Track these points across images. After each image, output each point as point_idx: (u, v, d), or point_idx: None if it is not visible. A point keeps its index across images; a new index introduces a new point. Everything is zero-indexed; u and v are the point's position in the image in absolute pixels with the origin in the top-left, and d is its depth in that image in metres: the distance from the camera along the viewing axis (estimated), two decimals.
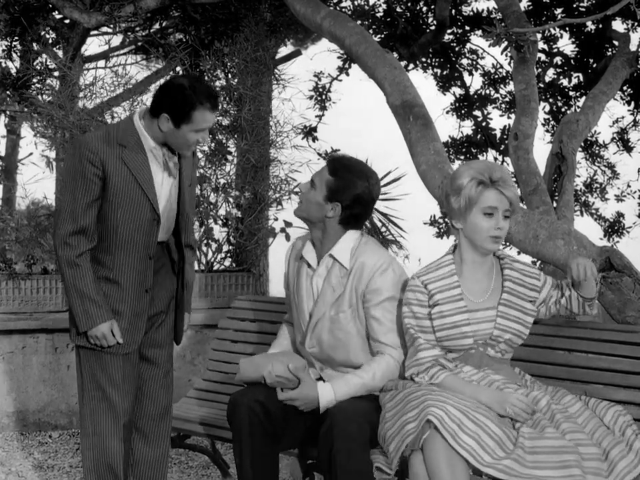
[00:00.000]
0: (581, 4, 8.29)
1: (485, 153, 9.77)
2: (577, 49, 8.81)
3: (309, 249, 3.71)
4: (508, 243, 5.93)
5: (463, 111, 9.73)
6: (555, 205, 5.48)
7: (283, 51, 9.96)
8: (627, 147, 9.37)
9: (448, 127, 11.73)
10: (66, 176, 3.55)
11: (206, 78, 7.59)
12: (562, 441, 3.12)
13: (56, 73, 8.04)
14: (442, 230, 9.74)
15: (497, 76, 9.64)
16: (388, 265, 3.59)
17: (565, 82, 9.19)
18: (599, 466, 3.13)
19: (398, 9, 9.19)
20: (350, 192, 3.57)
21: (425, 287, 3.46)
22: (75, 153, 3.51)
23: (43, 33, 8.29)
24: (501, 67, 9.65)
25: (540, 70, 8.98)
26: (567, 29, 8.70)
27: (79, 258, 3.52)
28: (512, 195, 3.39)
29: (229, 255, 7.10)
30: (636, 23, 8.02)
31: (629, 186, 9.63)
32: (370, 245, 3.66)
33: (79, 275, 3.52)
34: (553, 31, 8.92)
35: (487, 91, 9.68)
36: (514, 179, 5.20)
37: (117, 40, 10.46)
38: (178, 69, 7.93)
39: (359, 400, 3.50)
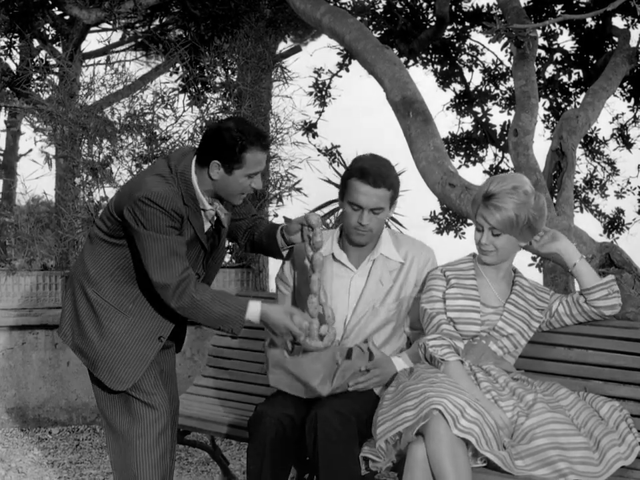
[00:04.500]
0: (581, 0, 8.29)
1: (484, 149, 9.77)
2: (576, 45, 8.81)
3: (339, 252, 3.68)
4: None
5: (462, 107, 9.73)
6: (554, 201, 5.48)
7: (283, 47, 9.97)
8: (626, 143, 9.37)
9: (448, 123, 11.74)
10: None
11: (205, 74, 7.59)
12: (541, 439, 3.17)
13: (56, 70, 8.03)
14: (442, 226, 9.75)
15: (496, 72, 9.64)
16: (433, 256, 3.74)
17: (564, 78, 9.19)
18: (587, 455, 3.16)
19: (398, 5, 9.19)
20: (399, 185, 3.63)
21: (443, 274, 3.57)
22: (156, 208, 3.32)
23: (42, 29, 8.29)
24: (501, 63, 9.66)
25: (540, 66, 8.98)
26: (567, 25, 8.70)
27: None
28: (495, 221, 3.38)
29: (229, 251, 7.10)
30: (636, 19, 8.02)
31: (628, 182, 9.64)
32: (404, 236, 3.79)
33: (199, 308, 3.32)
34: (552, 27, 8.92)
35: (487, 87, 9.68)
36: None
37: (116, 36, 10.47)
38: (178, 65, 7.92)
39: (353, 393, 3.51)
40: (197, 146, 3.50)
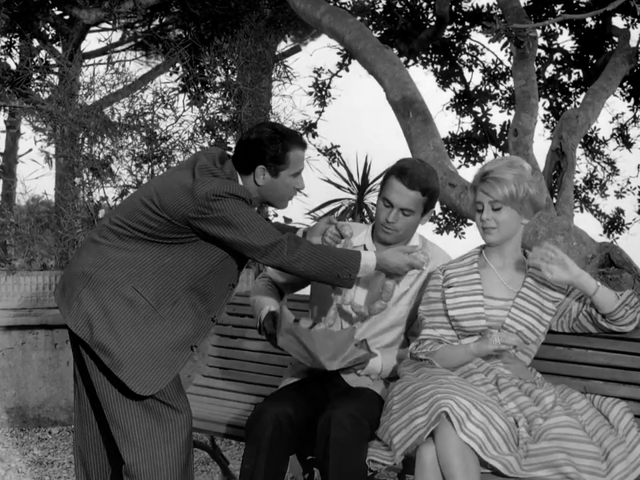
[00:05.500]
0: (581, 0, 8.29)
1: (484, 149, 9.78)
2: (576, 45, 8.82)
3: (371, 245, 3.70)
4: None
5: (462, 107, 9.74)
6: (554, 201, 5.49)
7: (283, 47, 9.97)
8: (626, 143, 9.38)
9: (448, 122, 11.76)
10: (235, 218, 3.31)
11: (205, 74, 7.59)
12: (552, 442, 3.13)
13: (56, 70, 8.04)
14: (442, 226, 9.76)
15: (496, 72, 9.65)
16: None
17: (564, 78, 9.20)
18: (595, 465, 3.10)
19: (398, 5, 9.20)
20: (437, 196, 3.67)
21: (442, 273, 3.53)
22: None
23: (42, 29, 8.29)
24: (501, 62, 9.66)
25: (540, 66, 8.99)
26: (567, 24, 8.70)
27: (294, 251, 3.32)
28: (495, 193, 3.37)
29: None
30: (636, 19, 8.03)
31: (628, 182, 9.65)
32: (432, 244, 3.77)
33: (309, 252, 3.31)
34: (552, 27, 8.93)
35: (487, 87, 9.69)
36: None
37: (116, 36, 10.47)
38: (177, 65, 7.92)
39: (363, 396, 3.51)
40: (211, 148, 3.47)
